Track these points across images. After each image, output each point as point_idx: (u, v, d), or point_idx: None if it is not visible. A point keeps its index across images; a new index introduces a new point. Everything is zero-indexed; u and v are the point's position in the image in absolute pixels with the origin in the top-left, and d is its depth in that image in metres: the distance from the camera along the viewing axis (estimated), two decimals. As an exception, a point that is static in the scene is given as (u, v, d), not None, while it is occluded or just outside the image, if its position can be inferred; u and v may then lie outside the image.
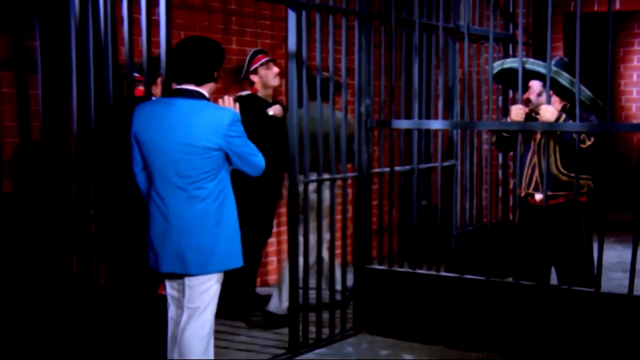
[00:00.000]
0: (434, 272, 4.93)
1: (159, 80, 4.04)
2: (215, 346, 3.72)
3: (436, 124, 4.98)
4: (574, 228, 4.64)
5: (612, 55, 4.22)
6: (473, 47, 6.08)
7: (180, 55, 3.47)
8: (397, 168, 5.20)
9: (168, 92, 3.67)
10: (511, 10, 6.62)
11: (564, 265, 4.71)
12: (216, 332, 4.09)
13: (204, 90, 3.48)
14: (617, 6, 7.44)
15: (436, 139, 5.68)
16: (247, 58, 5.44)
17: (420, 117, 5.11)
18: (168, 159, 3.40)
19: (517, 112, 4.63)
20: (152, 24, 3.82)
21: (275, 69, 5.43)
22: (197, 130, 3.36)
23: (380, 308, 5.04)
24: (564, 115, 4.49)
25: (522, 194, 4.79)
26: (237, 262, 3.54)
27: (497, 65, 4.97)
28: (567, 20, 7.58)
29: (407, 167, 5.21)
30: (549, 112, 4.47)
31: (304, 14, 4.59)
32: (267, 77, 5.39)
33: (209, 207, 3.43)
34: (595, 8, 7.55)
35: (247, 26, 6.10)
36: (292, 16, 4.56)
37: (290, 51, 4.56)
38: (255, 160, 3.51)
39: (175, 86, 3.51)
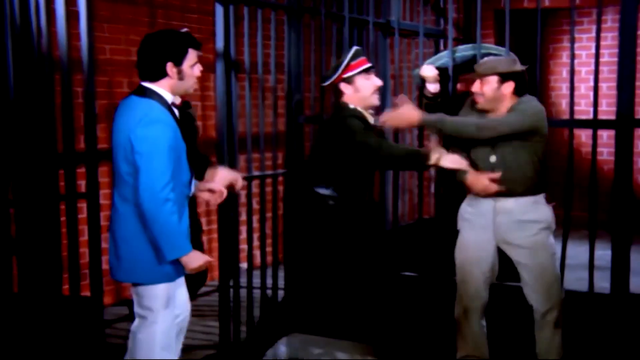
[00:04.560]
0: (367, 269, 4.87)
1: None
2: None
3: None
4: None
5: (541, 51, 4.23)
6: (404, 42, 6.07)
7: (138, 50, 3.32)
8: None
9: (90, 89, 3.54)
10: (442, 5, 6.63)
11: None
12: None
13: (162, 87, 3.27)
14: (546, 3, 7.53)
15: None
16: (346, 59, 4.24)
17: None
18: (114, 158, 3.31)
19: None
20: (71, 16, 3.69)
21: (377, 82, 4.26)
22: (119, 128, 3.24)
23: (314, 307, 4.97)
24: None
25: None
26: (141, 277, 3.31)
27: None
28: (497, 16, 7.64)
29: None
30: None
31: (231, 8, 4.50)
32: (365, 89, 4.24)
33: (126, 212, 3.27)
34: (525, 4, 7.63)
35: (174, 19, 5.99)
36: (219, 10, 4.47)
37: (217, 46, 4.47)
38: (142, 181, 3.12)
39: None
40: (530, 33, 5.68)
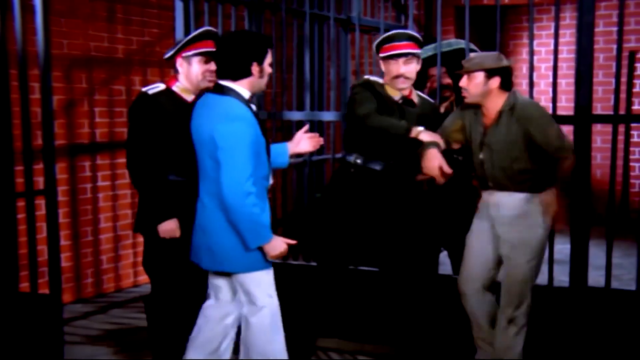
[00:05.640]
0: (327, 265, 4.87)
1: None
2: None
3: (328, 116, 4.92)
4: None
5: (501, 48, 4.27)
6: (365, 38, 6.07)
7: (217, 50, 3.41)
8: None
9: (47, 84, 3.48)
10: (403, 2, 6.65)
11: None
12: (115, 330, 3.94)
13: (242, 85, 3.35)
14: (506, 0, 7.60)
15: (329, 130, 5.62)
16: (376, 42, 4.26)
17: (312, 109, 5.05)
18: (198, 155, 3.41)
19: None
20: (27, 9, 3.63)
21: (400, 69, 4.13)
22: (201, 125, 3.34)
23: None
24: None
25: None
26: (238, 266, 3.42)
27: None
28: (458, 13, 7.69)
29: (300, 159, 5.15)
30: None
31: (191, 3, 4.47)
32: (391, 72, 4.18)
33: (213, 206, 3.37)
34: (485, 1, 7.70)
35: (133, 14, 5.92)
36: (179, 5, 4.45)
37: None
38: (224, 176, 3.23)
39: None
40: (490, 29, 5.71)
